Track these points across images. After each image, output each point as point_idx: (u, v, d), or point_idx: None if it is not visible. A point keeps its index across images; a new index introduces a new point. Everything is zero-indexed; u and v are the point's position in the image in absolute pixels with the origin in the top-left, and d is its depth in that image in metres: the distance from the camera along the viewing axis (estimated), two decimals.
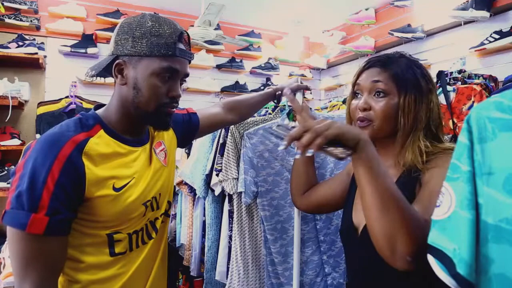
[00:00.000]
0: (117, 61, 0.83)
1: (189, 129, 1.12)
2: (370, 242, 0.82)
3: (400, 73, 0.82)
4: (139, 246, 0.87)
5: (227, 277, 1.44)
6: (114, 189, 0.79)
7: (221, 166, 1.40)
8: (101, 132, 0.81)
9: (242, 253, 1.38)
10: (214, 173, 1.43)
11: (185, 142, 1.15)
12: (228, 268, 1.44)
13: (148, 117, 0.85)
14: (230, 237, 1.43)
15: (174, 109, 0.88)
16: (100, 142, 0.80)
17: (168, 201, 1.01)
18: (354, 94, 0.90)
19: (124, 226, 0.83)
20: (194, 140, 1.59)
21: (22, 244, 0.70)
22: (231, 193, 1.38)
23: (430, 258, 0.57)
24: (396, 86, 0.82)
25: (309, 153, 0.63)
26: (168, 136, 1.03)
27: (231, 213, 1.45)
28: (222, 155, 1.42)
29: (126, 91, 0.84)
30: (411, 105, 0.80)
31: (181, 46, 0.84)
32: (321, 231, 1.31)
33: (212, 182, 1.46)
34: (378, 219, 0.63)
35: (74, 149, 0.74)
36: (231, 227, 1.44)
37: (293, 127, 0.69)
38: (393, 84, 0.82)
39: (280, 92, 1.32)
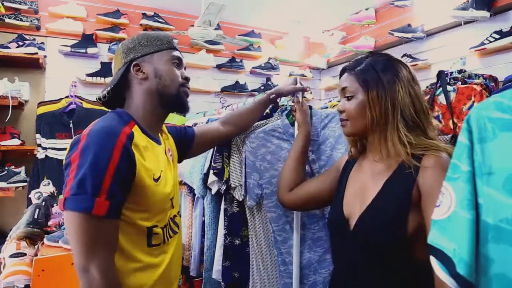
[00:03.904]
0: (134, 63, 0.97)
1: (185, 141, 1.20)
2: (362, 236, 0.82)
3: (361, 73, 0.90)
4: (168, 239, 0.97)
5: (222, 276, 1.45)
6: (154, 179, 0.89)
7: (220, 165, 1.41)
8: (136, 126, 0.91)
9: (259, 254, 1.40)
10: (211, 171, 1.43)
11: (182, 155, 1.21)
12: (223, 266, 1.45)
13: (172, 99, 0.99)
14: (226, 235, 1.44)
15: (189, 90, 1.05)
16: (138, 135, 0.89)
17: (179, 203, 1.11)
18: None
19: (159, 218, 0.92)
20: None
21: (87, 227, 0.76)
22: (240, 199, 1.38)
23: (431, 258, 0.57)
24: (360, 86, 0.89)
25: None
26: (173, 146, 1.13)
27: (226, 211, 1.46)
28: (220, 153, 1.42)
29: (148, 83, 0.97)
30: (375, 100, 0.86)
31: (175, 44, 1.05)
32: None
33: (209, 181, 1.46)
34: None
35: (127, 139, 0.82)
36: (227, 225, 1.45)
37: None
38: (357, 85, 0.90)
39: (274, 95, 1.33)
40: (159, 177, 0.92)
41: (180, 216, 1.10)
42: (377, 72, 0.87)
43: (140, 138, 0.89)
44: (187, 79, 1.03)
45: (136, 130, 0.89)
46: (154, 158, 0.93)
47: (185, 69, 1.06)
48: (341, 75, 0.96)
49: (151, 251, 0.90)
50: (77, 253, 0.78)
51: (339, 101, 0.96)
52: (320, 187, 1.09)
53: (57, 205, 1.74)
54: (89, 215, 0.75)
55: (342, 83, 0.94)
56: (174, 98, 1.00)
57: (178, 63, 1.02)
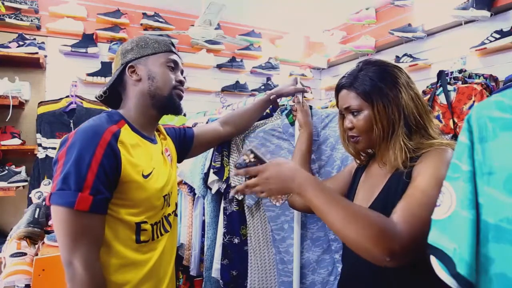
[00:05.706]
0: (129, 65, 0.99)
1: (184, 142, 1.21)
2: None
3: (361, 88, 0.87)
4: (158, 236, 0.97)
5: (220, 274, 1.45)
6: (143, 176, 0.91)
7: (220, 164, 1.41)
8: (126, 125, 0.94)
9: (258, 252, 1.40)
10: (211, 171, 1.43)
11: (182, 155, 1.22)
12: (222, 265, 1.45)
13: (164, 101, 1.00)
14: (225, 234, 1.44)
15: (183, 93, 1.05)
16: (127, 133, 0.92)
17: (176, 202, 1.11)
18: (341, 115, 0.96)
19: (149, 214, 0.93)
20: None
21: (71, 221, 0.79)
22: (240, 198, 1.38)
23: (432, 258, 0.57)
24: (364, 101, 0.87)
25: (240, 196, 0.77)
26: (171, 147, 1.14)
27: (226, 210, 1.46)
28: (219, 152, 1.42)
29: (141, 85, 0.99)
30: (382, 112, 0.85)
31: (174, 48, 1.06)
32: (330, 229, 1.31)
33: (209, 180, 1.46)
34: (345, 233, 0.71)
35: (112, 137, 0.85)
36: (226, 224, 1.45)
37: (250, 161, 0.84)
38: (361, 100, 0.88)
39: (274, 95, 1.33)
40: (150, 173, 0.93)
41: (176, 216, 1.10)
42: (377, 83, 0.86)
43: (128, 136, 0.91)
44: (181, 82, 1.04)
45: (125, 129, 0.92)
46: (145, 156, 0.94)
47: (182, 72, 1.07)
48: (337, 92, 0.94)
49: (139, 247, 0.91)
50: (62, 247, 0.80)
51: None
52: (337, 188, 1.07)
53: None
54: (72, 209, 0.78)
55: (344, 102, 0.91)
56: (166, 101, 1.01)
57: (174, 66, 1.03)
